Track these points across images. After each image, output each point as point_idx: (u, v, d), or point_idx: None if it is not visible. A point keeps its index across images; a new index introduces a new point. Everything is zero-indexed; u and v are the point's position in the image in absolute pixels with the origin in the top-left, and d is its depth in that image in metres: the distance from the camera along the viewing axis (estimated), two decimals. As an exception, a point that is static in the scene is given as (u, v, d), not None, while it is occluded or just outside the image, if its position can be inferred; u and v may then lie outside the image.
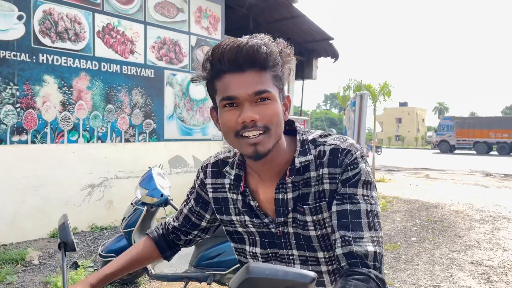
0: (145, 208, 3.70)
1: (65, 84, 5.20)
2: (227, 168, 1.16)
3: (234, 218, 1.17)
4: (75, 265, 4.26)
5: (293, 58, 1.10)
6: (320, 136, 1.09)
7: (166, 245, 1.30)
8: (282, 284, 0.69)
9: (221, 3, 7.27)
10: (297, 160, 1.05)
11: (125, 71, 5.84)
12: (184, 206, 1.30)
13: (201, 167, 1.26)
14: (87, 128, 5.45)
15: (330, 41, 9.27)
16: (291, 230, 1.09)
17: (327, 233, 1.05)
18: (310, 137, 1.08)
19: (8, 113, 4.71)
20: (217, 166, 1.21)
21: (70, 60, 5.23)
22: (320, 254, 1.08)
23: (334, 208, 1.00)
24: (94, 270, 3.95)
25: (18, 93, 4.79)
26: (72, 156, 5.30)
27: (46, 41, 5.00)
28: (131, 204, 3.84)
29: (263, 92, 0.96)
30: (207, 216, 1.25)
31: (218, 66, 0.97)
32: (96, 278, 1.14)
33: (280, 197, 1.07)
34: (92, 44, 5.46)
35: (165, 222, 1.34)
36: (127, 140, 5.90)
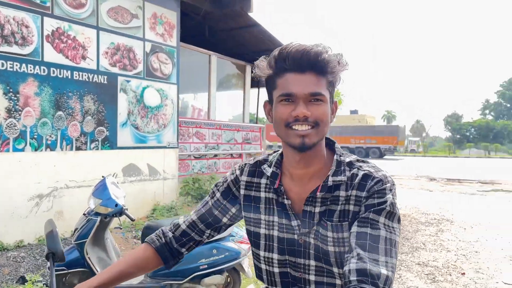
0: (98, 219, 3.60)
1: (11, 90, 4.95)
2: (265, 166, 1.23)
3: (262, 217, 1.22)
4: (22, 280, 4.05)
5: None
6: (357, 160, 1.17)
7: (170, 254, 1.30)
8: None
9: (176, 10, 7.23)
10: (330, 178, 1.13)
11: (76, 77, 5.65)
12: (209, 200, 1.33)
13: (239, 165, 1.32)
14: (35, 136, 5.21)
15: (285, 51, 9.44)
16: (312, 241, 1.15)
17: (345, 251, 1.09)
18: (347, 160, 1.17)
19: None
20: (255, 167, 1.28)
21: (16, 65, 4.99)
22: (335, 269, 1.14)
23: (354, 229, 1.06)
24: (44, 284, 3.77)
25: (-42, 99, 4.51)
26: (18, 165, 5.04)
27: (-10, 44, 4.76)
28: (84, 214, 3.73)
29: (318, 94, 1.08)
30: (232, 211, 1.30)
31: (283, 64, 1.10)
32: (88, 286, 1.13)
33: (308, 209, 1.14)
34: (41, 49, 5.25)
35: (159, 235, 1.33)
36: (78, 148, 5.70)
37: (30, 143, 5.16)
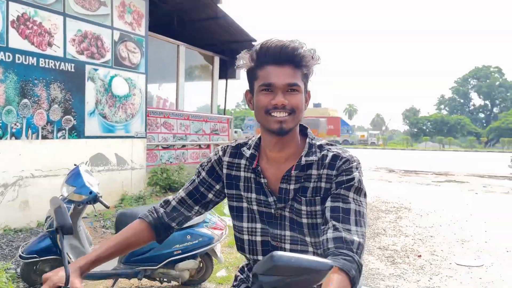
0: (72, 206, 3.61)
1: (-27, 76, 4.80)
2: (244, 148, 1.36)
3: (242, 193, 1.36)
4: (-12, 270, 3.99)
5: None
6: (327, 144, 1.32)
7: (162, 228, 1.40)
8: (303, 271, 0.81)
9: (145, -1, 7.18)
10: (303, 159, 1.27)
11: (42, 64, 5.53)
12: (196, 178, 1.44)
13: (221, 147, 1.44)
14: (-1, 124, 5.08)
15: (253, 43, 9.57)
16: (287, 214, 1.30)
17: (317, 223, 1.26)
18: (318, 143, 1.32)
19: None
20: (236, 149, 1.40)
21: (-21, 50, 4.84)
22: (307, 239, 1.29)
23: (328, 204, 1.21)
24: (15, 271, 3.75)
25: None
26: (-18, 154, 4.91)
27: (-49, 28, 4.58)
28: (56, 202, 3.72)
29: (294, 84, 1.22)
30: (217, 187, 1.42)
31: (263, 58, 1.23)
32: (86, 260, 1.21)
33: (284, 186, 1.29)
34: (6, 34, 5.10)
35: (152, 211, 1.42)
36: (44, 137, 5.60)
37: (-6, 131, 5.02)
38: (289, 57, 1.21)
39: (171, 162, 8.17)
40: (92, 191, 3.59)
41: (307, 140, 1.32)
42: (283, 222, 1.30)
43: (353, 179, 1.22)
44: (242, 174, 1.37)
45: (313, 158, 1.27)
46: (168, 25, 8.57)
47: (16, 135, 5.27)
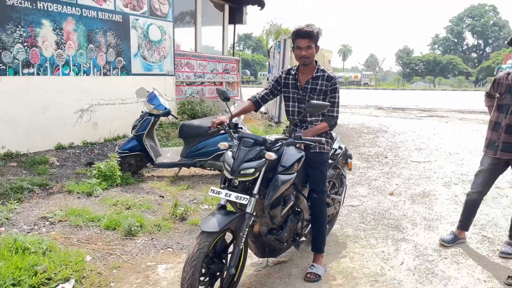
0: (152, 118, 5.44)
1: (57, 27, 6.40)
2: (291, 70, 3.13)
3: (289, 90, 3.13)
4: (89, 165, 5.87)
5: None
6: (324, 70, 3.05)
7: (257, 103, 3.20)
8: (318, 106, 2.66)
9: (170, -43, 8.52)
10: (314, 74, 3.05)
11: (100, 16, 7.09)
12: (272, 82, 3.21)
13: (282, 71, 3.21)
14: (76, 64, 6.76)
15: (258, -8, 10.98)
16: (307, 98, 3.07)
17: (319, 99, 3.04)
18: (321, 68, 3.06)
19: (18, 50, 5.90)
20: (288, 71, 3.16)
21: (59, 7, 6.40)
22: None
23: (328, 99, 3.00)
24: (118, 161, 5.60)
25: (24, 34, 5.95)
26: (66, 86, 6.63)
27: (41, -10, 6.11)
28: (140, 116, 5.54)
29: (309, 46, 2.92)
30: (279, 88, 3.18)
31: (296, 36, 2.93)
32: (230, 115, 3.00)
33: (307, 85, 3.06)
34: (75, -7, 6.62)
35: (254, 96, 3.21)
36: (105, 74, 7.30)
37: (72, 69, 6.72)
38: (306, 34, 2.92)
39: (193, 96, 9.93)
40: (166, 107, 5.40)
41: (317, 66, 3.09)
42: (306, 99, 3.10)
43: (336, 87, 3.02)
44: (290, 81, 3.14)
45: (319, 74, 3.05)
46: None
47: (87, 72, 6.97)
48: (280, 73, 3.20)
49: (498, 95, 3.36)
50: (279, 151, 2.75)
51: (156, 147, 5.74)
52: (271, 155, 2.55)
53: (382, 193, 5.09)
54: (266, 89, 3.23)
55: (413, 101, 23.78)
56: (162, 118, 6.78)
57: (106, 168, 5.07)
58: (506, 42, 3.41)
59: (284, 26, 13.42)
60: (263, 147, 2.63)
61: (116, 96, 7.52)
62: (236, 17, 11.75)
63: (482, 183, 3.49)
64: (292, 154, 2.82)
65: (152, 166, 5.71)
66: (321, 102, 2.75)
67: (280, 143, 2.73)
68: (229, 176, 2.59)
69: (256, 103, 3.19)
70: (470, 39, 75.38)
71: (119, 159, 5.29)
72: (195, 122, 5.86)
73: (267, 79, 12.92)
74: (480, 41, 73.36)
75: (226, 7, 11.43)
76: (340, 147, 3.67)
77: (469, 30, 73.41)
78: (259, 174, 2.58)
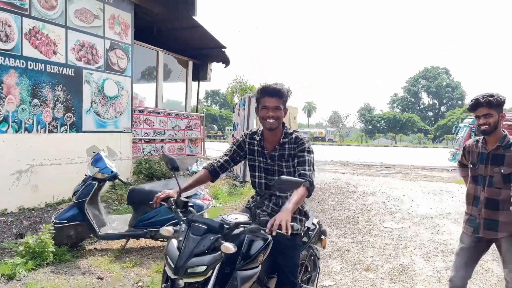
0: (96, 183, 4.76)
1: (-4, 80, 5.77)
2: (255, 135, 2.65)
3: (255, 157, 2.63)
4: (20, 236, 5.03)
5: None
6: (293, 132, 2.60)
7: (215, 173, 2.67)
8: (292, 183, 2.12)
9: (131, 12, 8.24)
10: (281, 140, 2.57)
11: (49, 69, 6.53)
12: (231, 148, 2.71)
13: (245, 133, 2.74)
14: (16, 120, 6.06)
15: (223, 49, 10.82)
16: (276, 167, 2.59)
17: (290, 170, 2.55)
18: (289, 131, 2.60)
19: None
20: (252, 135, 2.69)
21: (1, 59, 5.81)
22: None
23: (295, 160, 2.51)
24: (53, 234, 4.80)
25: (-45, 87, 5.27)
26: (3, 145, 5.89)
27: (-20, 40, 5.53)
28: (83, 180, 4.85)
29: (278, 107, 2.47)
30: (242, 154, 2.69)
31: (263, 94, 2.47)
32: (179, 188, 2.41)
33: (274, 153, 2.58)
34: (20, 45, 6.08)
35: (211, 164, 2.68)
36: (50, 131, 6.61)
37: (12, 126, 6.01)
38: (275, 92, 2.48)
39: (152, 154, 9.29)
40: (113, 170, 4.75)
41: (284, 130, 2.63)
42: (275, 168, 2.61)
43: (305, 147, 2.54)
44: (255, 148, 2.66)
45: (286, 139, 2.59)
46: (148, 32, 9.63)
47: (29, 129, 6.26)
48: (244, 137, 2.72)
49: (471, 166, 3.00)
50: (240, 239, 2.19)
51: (100, 215, 5.01)
52: (229, 248, 1.98)
53: (357, 268, 4.53)
54: (226, 155, 2.73)
55: (377, 157, 24.02)
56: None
57: (35, 244, 4.27)
58: (467, 109, 3.12)
59: (250, 83, 13.29)
60: (219, 235, 2.07)
61: (63, 155, 6.80)
62: (200, 74, 11.51)
63: (465, 265, 3.01)
64: (255, 242, 2.26)
65: (90, 238, 4.94)
66: (292, 178, 2.21)
67: (241, 228, 2.17)
68: (172, 276, 1.98)
69: (213, 172, 2.66)
70: (426, 99, 79.62)
71: (53, 231, 4.52)
72: (147, 186, 5.20)
73: (232, 136, 12.60)
74: (435, 101, 77.53)
75: (190, 63, 11.19)
76: (313, 223, 3.13)
77: (424, 91, 77.69)
78: (213, 271, 2.00)
